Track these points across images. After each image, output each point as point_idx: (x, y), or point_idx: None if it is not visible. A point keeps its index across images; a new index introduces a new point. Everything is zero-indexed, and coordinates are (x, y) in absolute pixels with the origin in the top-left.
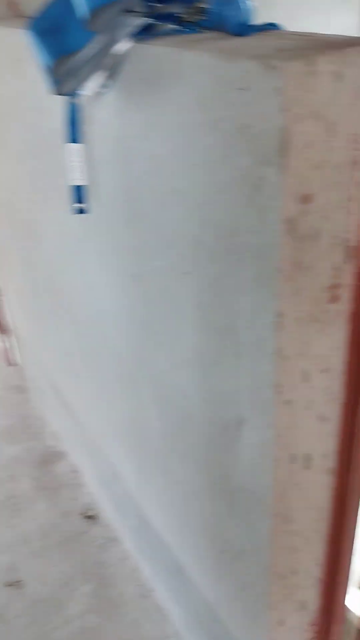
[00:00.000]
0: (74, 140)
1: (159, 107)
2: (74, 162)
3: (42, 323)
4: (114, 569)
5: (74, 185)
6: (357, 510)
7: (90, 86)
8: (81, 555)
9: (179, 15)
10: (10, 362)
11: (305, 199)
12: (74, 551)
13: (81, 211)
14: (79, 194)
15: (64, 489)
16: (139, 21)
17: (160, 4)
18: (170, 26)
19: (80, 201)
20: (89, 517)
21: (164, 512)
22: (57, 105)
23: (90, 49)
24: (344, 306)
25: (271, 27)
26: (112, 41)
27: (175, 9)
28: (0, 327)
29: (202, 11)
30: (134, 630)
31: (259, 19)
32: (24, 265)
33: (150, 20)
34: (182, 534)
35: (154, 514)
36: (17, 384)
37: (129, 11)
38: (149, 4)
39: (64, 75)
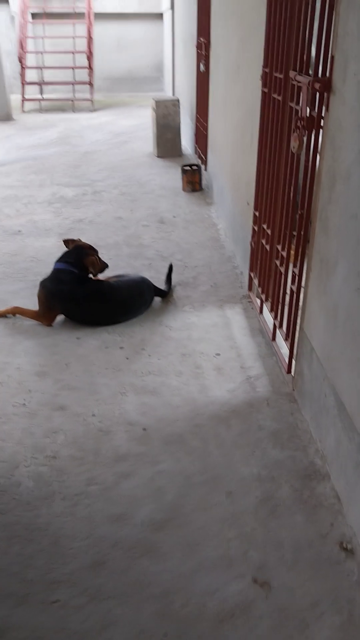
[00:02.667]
0: None
1: None
2: None
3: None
4: None
5: None
6: None
7: None
8: (333, 584)
9: None
10: (288, 370)
11: None
12: (325, 577)
13: None
14: None
15: (323, 511)
16: None
17: None
18: None
19: None
20: (346, 550)
21: None
22: None
23: None
24: None
25: None
26: None
27: None
28: (288, 334)
29: None
30: None
31: None
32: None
33: None
34: None
35: None
36: (289, 392)
37: None
38: None
39: None
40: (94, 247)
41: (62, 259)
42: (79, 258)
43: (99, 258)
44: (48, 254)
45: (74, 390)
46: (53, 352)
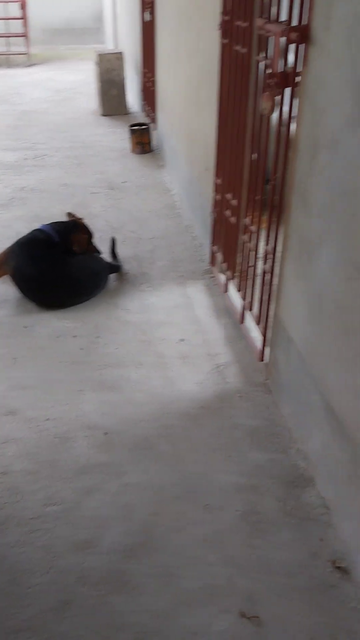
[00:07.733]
0: None
1: None
2: None
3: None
4: None
5: None
6: None
7: None
8: (329, 615)
9: None
10: (260, 358)
11: None
12: (321, 606)
13: None
14: None
15: (311, 524)
16: None
17: None
18: None
19: None
20: (339, 569)
21: None
22: None
23: None
24: None
25: None
26: None
27: None
28: (259, 319)
29: None
30: None
31: None
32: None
33: None
34: None
35: None
36: (263, 382)
37: None
38: None
39: None
40: (90, 231)
41: (52, 224)
42: (68, 230)
43: (93, 243)
44: None
45: (25, 390)
46: None
